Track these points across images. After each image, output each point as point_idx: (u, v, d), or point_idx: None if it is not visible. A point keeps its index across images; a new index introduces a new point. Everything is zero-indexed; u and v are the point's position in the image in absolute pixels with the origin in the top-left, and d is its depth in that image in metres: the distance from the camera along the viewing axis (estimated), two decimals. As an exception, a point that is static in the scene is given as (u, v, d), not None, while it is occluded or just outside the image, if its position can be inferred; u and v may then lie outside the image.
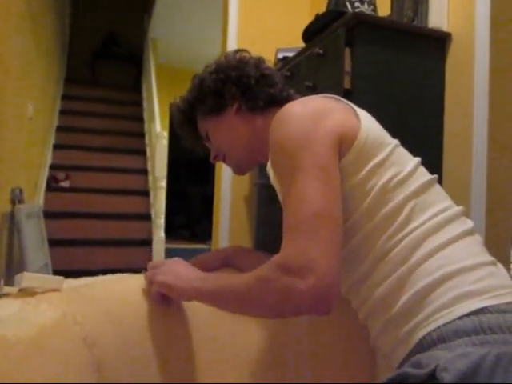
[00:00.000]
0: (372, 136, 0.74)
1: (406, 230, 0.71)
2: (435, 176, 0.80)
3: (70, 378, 0.56)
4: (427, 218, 0.71)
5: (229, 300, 0.69)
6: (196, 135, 1.02)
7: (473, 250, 0.71)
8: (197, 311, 0.84)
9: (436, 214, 0.72)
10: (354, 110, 0.79)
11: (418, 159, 0.80)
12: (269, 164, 0.91)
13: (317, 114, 0.74)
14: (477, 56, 1.57)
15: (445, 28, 1.71)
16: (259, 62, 0.97)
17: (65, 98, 5.13)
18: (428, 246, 0.69)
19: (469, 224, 0.75)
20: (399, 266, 0.69)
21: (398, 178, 0.73)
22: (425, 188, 0.75)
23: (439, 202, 0.75)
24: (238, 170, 1.00)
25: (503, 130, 1.55)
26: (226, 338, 0.85)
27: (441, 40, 1.70)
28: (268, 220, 2.21)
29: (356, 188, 0.73)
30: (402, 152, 0.80)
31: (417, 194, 0.73)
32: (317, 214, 0.63)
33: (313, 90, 1.72)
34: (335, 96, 0.85)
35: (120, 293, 0.77)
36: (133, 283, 0.81)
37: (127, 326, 0.72)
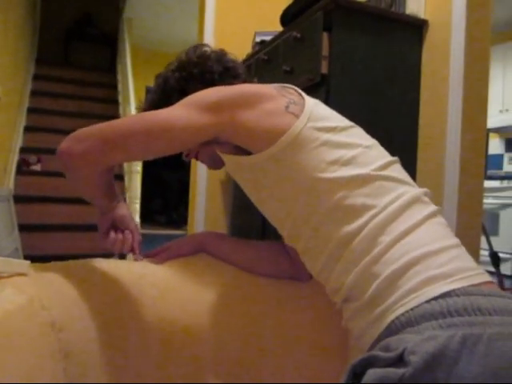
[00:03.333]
0: (311, 124, 0.77)
1: (366, 217, 0.71)
2: (395, 158, 0.81)
3: (36, 363, 0.55)
4: (386, 203, 0.72)
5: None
6: None
7: (436, 234, 0.72)
8: (168, 291, 0.83)
9: (395, 199, 0.73)
10: (294, 102, 0.81)
11: (373, 141, 0.82)
12: None
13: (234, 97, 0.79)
14: (453, 43, 1.58)
15: (422, 15, 1.71)
16: (221, 55, 0.96)
17: (36, 78, 4.96)
18: (390, 233, 0.70)
19: (431, 206, 0.76)
20: (364, 255, 0.70)
21: (346, 158, 0.75)
22: (381, 170, 0.76)
23: (398, 185, 0.76)
24: (212, 166, 0.99)
25: (476, 115, 1.58)
26: (197, 319, 0.84)
27: (418, 27, 1.70)
28: (244, 205, 2.20)
29: (300, 171, 0.75)
30: (356, 133, 0.81)
31: (372, 178, 0.74)
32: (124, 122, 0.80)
33: (290, 74, 1.70)
34: (290, 86, 0.87)
35: (89, 277, 0.75)
36: (102, 268, 0.80)
37: (96, 310, 0.70)
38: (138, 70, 5.15)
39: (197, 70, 0.92)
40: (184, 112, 0.78)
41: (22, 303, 0.59)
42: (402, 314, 0.64)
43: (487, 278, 0.68)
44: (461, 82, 1.55)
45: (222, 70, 0.93)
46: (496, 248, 2.64)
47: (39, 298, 0.62)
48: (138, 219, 3.76)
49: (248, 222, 2.12)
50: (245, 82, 0.95)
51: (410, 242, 0.69)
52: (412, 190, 0.76)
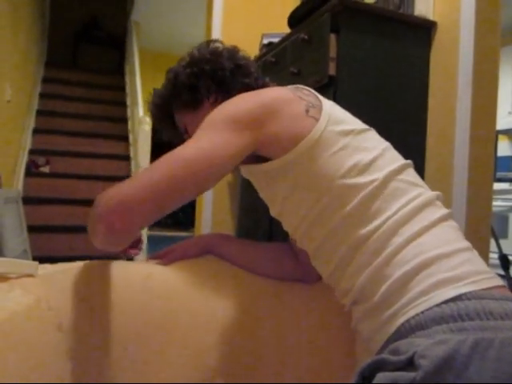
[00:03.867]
0: (330, 128, 0.76)
1: (379, 220, 0.71)
2: (409, 161, 0.80)
3: (42, 363, 0.55)
4: (399, 206, 0.72)
5: None
6: (175, 129, 1.00)
7: (448, 237, 0.71)
8: (174, 292, 0.83)
9: (408, 202, 0.72)
10: (312, 105, 0.80)
11: (387, 144, 0.81)
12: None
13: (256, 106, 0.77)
14: (461, 45, 1.57)
15: (430, 16, 1.70)
16: (233, 52, 0.95)
17: (45, 81, 5.00)
18: (402, 235, 0.69)
19: (443, 210, 0.75)
20: (376, 257, 0.70)
21: (363, 163, 0.74)
22: (395, 174, 0.75)
23: (411, 188, 0.75)
24: None
25: (485, 116, 1.56)
26: (202, 320, 0.84)
27: (426, 28, 1.69)
28: (251, 207, 2.20)
29: (322, 175, 0.74)
30: (370, 137, 0.80)
31: (387, 182, 0.73)
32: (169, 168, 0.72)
33: (298, 75, 1.70)
34: (304, 87, 0.86)
35: (97, 279, 0.75)
36: (109, 269, 0.80)
37: (103, 311, 0.70)
38: (145, 72, 5.17)
39: (208, 67, 0.91)
40: (225, 137, 0.73)
41: (29, 304, 0.60)
42: (413, 317, 0.63)
43: (499, 281, 0.67)
44: (470, 84, 1.54)
45: (234, 68, 0.92)
46: (505, 251, 2.62)
47: (46, 298, 0.62)
48: (145, 221, 3.77)
49: (255, 224, 2.12)
50: (257, 80, 0.94)
51: (421, 244, 0.69)
52: (425, 193, 0.76)
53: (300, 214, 0.78)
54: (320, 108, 0.79)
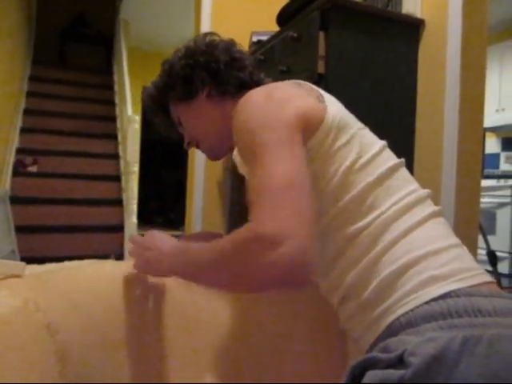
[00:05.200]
0: (337, 119, 0.75)
1: (371, 217, 0.71)
2: (402, 160, 0.80)
3: (31, 365, 0.54)
4: (392, 203, 0.72)
5: (202, 270, 0.67)
6: (169, 121, 1.01)
7: (438, 233, 0.72)
8: (170, 294, 0.82)
9: (400, 199, 0.73)
10: (320, 95, 0.79)
11: (383, 142, 0.80)
12: (235, 151, 0.90)
13: (278, 99, 0.74)
14: (449, 42, 1.58)
15: (418, 15, 1.71)
16: (229, 45, 0.95)
17: (32, 79, 4.94)
18: (393, 231, 0.70)
19: (434, 207, 0.76)
20: (366, 253, 0.70)
21: (362, 161, 0.74)
22: (390, 172, 0.75)
23: (404, 186, 0.75)
24: (212, 156, 0.99)
25: (473, 114, 1.58)
26: (200, 322, 0.84)
27: (414, 26, 1.70)
28: (241, 206, 2.20)
29: (321, 171, 0.73)
30: (368, 135, 0.80)
31: (381, 179, 0.74)
32: (287, 186, 0.61)
33: (287, 73, 1.70)
34: (301, 82, 0.84)
35: (85, 279, 0.75)
36: (99, 269, 0.79)
37: (92, 312, 0.69)
38: (134, 71, 5.13)
39: (203, 59, 0.91)
40: (296, 143, 0.68)
41: (16, 305, 0.59)
42: (402, 315, 0.64)
43: (488, 278, 0.68)
44: (457, 81, 1.55)
45: (229, 61, 0.92)
46: (493, 247, 2.65)
47: (34, 299, 0.61)
48: (135, 220, 3.75)
49: (245, 223, 2.12)
50: (252, 74, 0.94)
51: (411, 241, 0.69)
52: (417, 191, 0.76)
53: None
54: (325, 103, 0.78)
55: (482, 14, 1.60)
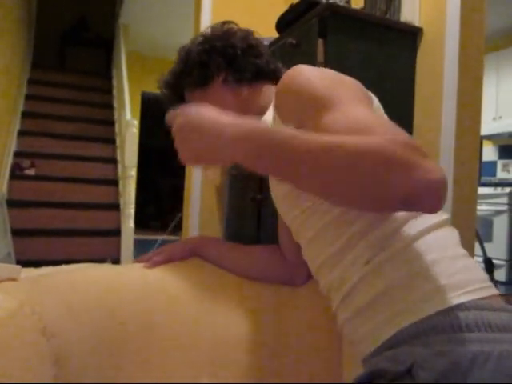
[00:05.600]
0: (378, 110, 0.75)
1: (384, 215, 0.68)
2: None
3: (26, 369, 0.54)
4: None
5: (318, 159, 0.52)
6: None
7: (451, 241, 0.70)
8: (160, 294, 0.82)
9: None
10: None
11: None
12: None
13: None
14: (446, 51, 1.59)
15: (416, 23, 1.72)
16: (247, 33, 0.95)
17: (31, 82, 4.95)
18: (408, 231, 0.67)
19: (445, 214, 0.75)
20: (376, 252, 0.67)
21: None
22: None
23: None
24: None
25: (470, 122, 1.59)
26: (191, 322, 0.84)
27: (412, 34, 1.71)
28: (238, 211, 2.20)
29: None
30: None
31: None
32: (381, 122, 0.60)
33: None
34: None
35: (81, 282, 0.74)
36: (95, 273, 0.79)
37: (88, 316, 0.69)
38: (133, 75, 5.15)
39: (220, 44, 0.91)
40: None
41: (11, 308, 0.59)
42: (411, 325, 0.62)
43: (495, 291, 0.66)
44: (455, 90, 1.56)
45: (245, 47, 0.92)
46: (490, 254, 2.65)
47: (30, 303, 0.61)
48: (132, 225, 3.75)
49: (242, 228, 2.12)
50: (268, 62, 0.94)
51: (427, 244, 0.67)
52: None
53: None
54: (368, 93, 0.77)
55: (480, 23, 1.62)
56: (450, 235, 0.72)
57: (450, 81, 1.58)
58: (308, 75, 0.70)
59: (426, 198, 0.51)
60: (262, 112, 0.89)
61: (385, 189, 0.50)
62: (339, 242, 0.71)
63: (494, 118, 4.50)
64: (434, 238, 0.68)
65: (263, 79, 0.87)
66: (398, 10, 1.72)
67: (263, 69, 0.91)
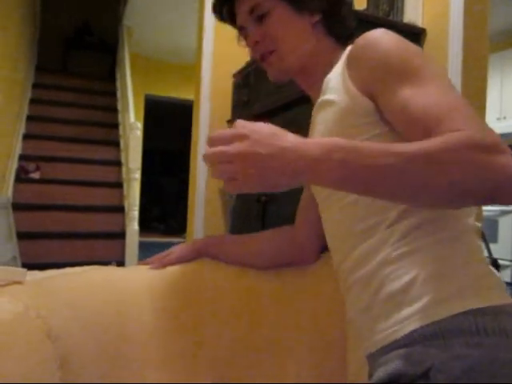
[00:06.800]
0: None
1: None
2: None
3: (31, 372, 0.54)
4: None
5: (405, 170, 0.52)
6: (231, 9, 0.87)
7: (478, 245, 0.69)
8: (167, 297, 0.82)
9: None
10: None
11: None
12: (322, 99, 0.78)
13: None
14: (450, 52, 1.59)
15: (420, 24, 1.72)
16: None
17: (36, 86, 4.97)
18: (450, 228, 0.66)
19: (475, 221, 0.73)
20: (411, 239, 0.65)
21: None
22: None
23: None
24: (278, 74, 0.85)
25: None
26: (198, 321, 0.84)
27: (416, 35, 1.71)
28: (243, 212, 2.20)
29: None
30: None
31: None
32: (466, 103, 0.60)
33: (289, 82, 1.70)
34: None
35: (86, 285, 0.75)
36: (100, 275, 0.79)
37: (93, 318, 0.69)
38: (136, 78, 5.16)
39: None
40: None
41: (17, 311, 0.59)
42: (427, 325, 0.61)
43: (509, 297, 0.65)
44: (459, 89, 1.55)
45: (348, 12, 0.87)
46: (495, 255, 2.64)
47: (35, 306, 0.61)
48: (136, 227, 3.75)
49: (247, 229, 2.12)
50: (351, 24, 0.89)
51: (458, 244, 0.66)
52: None
53: None
54: None
55: (483, 23, 1.61)
56: (477, 240, 0.71)
57: (453, 81, 1.57)
58: (389, 43, 0.68)
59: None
60: (327, 65, 0.81)
61: (476, 187, 0.52)
62: (366, 221, 0.69)
63: (499, 119, 4.48)
64: (468, 241, 0.67)
65: (345, 46, 0.80)
66: (401, 10, 1.72)
67: (353, 37, 0.81)
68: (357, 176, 0.54)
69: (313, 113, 0.84)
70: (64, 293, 0.70)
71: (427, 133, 0.58)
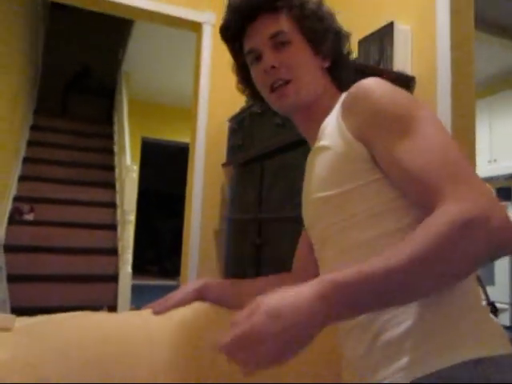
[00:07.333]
0: None
1: None
2: None
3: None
4: None
5: (419, 276, 0.54)
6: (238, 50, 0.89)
7: (479, 293, 0.70)
8: (162, 341, 0.80)
9: None
10: None
11: None
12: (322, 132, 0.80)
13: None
14: (439, 98, 1.64)
15: (409, 71, 1.78)
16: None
17: (34, 128, 5.05)
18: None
19: None
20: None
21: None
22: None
23: None
24: (289, 105, 0.83)
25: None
26: (195, 366, 0.81)
27: (405, 82, 1.77)
28: (238, 255, 2.19)
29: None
30: None
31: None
32: (463, 157, 0.62)
33: (282, 127, 1.74)
34: None
35: (76, 331, 0.73)
36: (91, 321, 0.77)
37: (86, 366, 0.67)
38: (134, 121, 5.26)
39: (342, 41, 0.88)
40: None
41: (5, 359, 0.57)
42: (427, 376, 0.59)
43: (510, 347, 0.64)
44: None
45: (349, 52, 0.91)
46: (492, 298, 2.61)
47: (24, 353, 0.60)
48: (129, 270, 3.71)
49: (242, 272, 2.10)
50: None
51: (462, 291, 0.65)
52: None
53: (369, 204, 0.70)
54: None
55: (470, 71, 1.67)
56: (475, 285, 0.70)
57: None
58: (381, 93, 0.70)
59: (504, 248, 0.57)
60: (326, 110, 0.83)
61: (484, 260, 0.57)
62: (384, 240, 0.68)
63: (490, 161, 4.56)
64: (466, 287, 0.66)
65: (340, 93, 0.84)
66: (391, 59, 1.79)
67: (351, 78, 0.86)
68: (373, 302, 0.56)
69: (308, 158, 0.86)
70: (54, 339, 0.68)
71: (425, 194, 0.61)
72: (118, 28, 5.26)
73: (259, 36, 0.83)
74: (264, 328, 0.52)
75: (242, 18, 0.84)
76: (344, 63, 0.88)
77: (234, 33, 0.88)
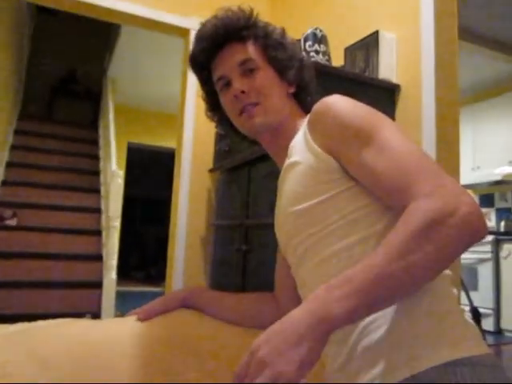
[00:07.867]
0: None
1: None
2: None
3: None
4: None
5: (407, 270, 0.56)
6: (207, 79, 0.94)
7: (455, 295, 0.71)
8: (143, 349, 0.79)
9: None
10: None
11: None
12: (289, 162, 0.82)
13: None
14: (423, 105, 1.66)
15: (394, 79, 1.80)
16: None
17: (18, 133, 4.98)
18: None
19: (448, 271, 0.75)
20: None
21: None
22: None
23: None
24: (257, 125, 0.87)
25: (449, 172, 1.63)
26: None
27: (390, 90, 1.78)
28: (224, 262, 2.18)
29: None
30: None
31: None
32: (425, 155, 0.67)
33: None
34: None
35: (57, 339, 0.72)
36: (73, 328, 0.76)
37: (64, 374, 0.66)
38: (120, 126, 5.22)
39: (310, 73, 0.95)
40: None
41: (-16, 369, 0.56)
42: (406, 379, 0.60)
43: (486, 347, 0.65)
44: (433, 143, 1.61)
45: (314, 76, 0.97)
46: (476, 303, 2.64)
47: (3, 362, 0.58)
48: (114, 276, 3.66)
49: (227, 278, 2.09)
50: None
51: (438, 294, 0.67)
52: None
53: (343, 212, 0.73)
54: None
55: (454, 79, 1.70)
56: (451, 288, 0.71)
57: (428, 134, 1.63)
58: (343, 107, 0.74)
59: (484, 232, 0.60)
60: (293, 130, 0.88)
61: (458, 250, 0.59)
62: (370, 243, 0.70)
63: (473, 169, 4.63)
64: (441, 290, 0.68)
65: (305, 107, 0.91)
66: (376, 67, 1.80)
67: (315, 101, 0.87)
68: (365, 302, 0.57)
69: (280, 177, 0.88)
70: (34, 348, 0.67)
71: (395, 195, 0.65)
72: (105, 33, 5.24)
73: (228, 63, 0.87)
74: (264, 353, 0.53)
75: (211, 47, 0.89)
76: (308, 88, 0.94)
77: (202, 61, 0.92)
